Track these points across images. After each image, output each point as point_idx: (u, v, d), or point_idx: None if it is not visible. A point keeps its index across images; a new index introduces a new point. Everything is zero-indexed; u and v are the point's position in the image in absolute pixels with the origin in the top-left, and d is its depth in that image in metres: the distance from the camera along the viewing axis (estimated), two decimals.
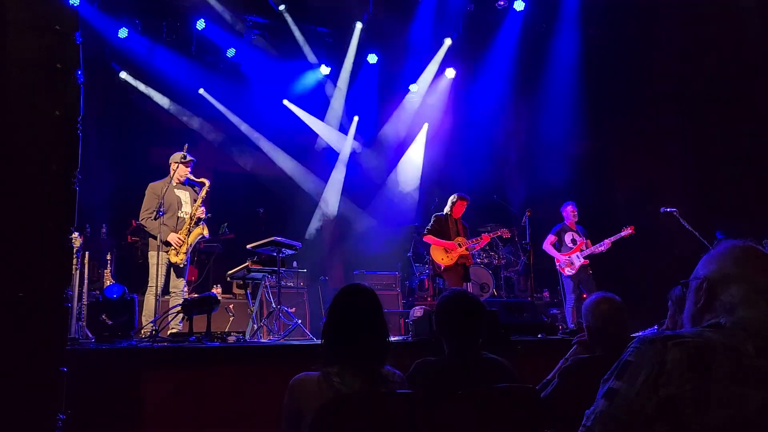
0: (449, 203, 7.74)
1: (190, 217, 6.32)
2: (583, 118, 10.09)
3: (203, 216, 6.40)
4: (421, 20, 10.05)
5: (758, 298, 1.57)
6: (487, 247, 9.35)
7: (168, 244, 6.15)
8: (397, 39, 10.29)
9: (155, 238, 6.14)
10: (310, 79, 10.73)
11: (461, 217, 7.80)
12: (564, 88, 10.19)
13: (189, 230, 6.27)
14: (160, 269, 6.09)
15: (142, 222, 6.25)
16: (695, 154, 8.95)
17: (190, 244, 6.29)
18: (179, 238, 6.17)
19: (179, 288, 6.28)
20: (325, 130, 11.16)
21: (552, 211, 8.60)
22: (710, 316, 1.62)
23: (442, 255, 7.60)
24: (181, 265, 6.25)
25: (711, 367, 1.47)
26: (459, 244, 7.52)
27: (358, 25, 10.20)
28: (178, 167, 6.36)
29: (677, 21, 8.81)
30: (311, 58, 10.42)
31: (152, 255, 6.18)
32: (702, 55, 8.58)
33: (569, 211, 8.21)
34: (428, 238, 7.69)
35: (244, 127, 10.63)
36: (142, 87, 9.75)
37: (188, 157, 6.40)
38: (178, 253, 6.18)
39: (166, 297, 6.32)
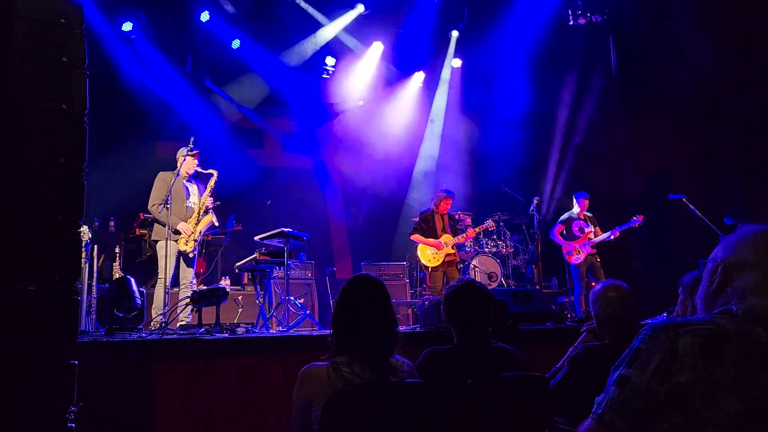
0: (435, 199, 7.69)
1: (199, 207, 6.36)
2: (591, 106, 10.04)
3: (211, 206, 6.44)
4: (424, 8, 9.98)
5: None
6: (495, 236, 9.35)
7: (178, 232, 6.18)
8: (402, 27, 10.23)
9: (164, 225, 6.17)
10: (315, 67, 10.70)
11: (450, 212, 7.76)
12: (573, 75, 10.14)
13: (198, 219, 6.31)
14: (169, 260, 6.12)
15: (151, 210, 6.29)
16: (704, 142, 8.89)
17: (200, 232, 6.33)
18: (189, 227, 6.21)
19: (188, 279, 6.32)
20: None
21: (562, 199, 8.59)
22: (723, 301, 1.61)
23: (428, 256, 7.55)
24: (191, 255, 6.28)
25: (723, 353, 1.46)
26: (445, 243, 7.48)
27: (360, 7, 10.12)
28: (185, 160, 6.39)
29: (689, 8, 8.72)
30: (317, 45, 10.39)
31: (161, 246, 6.21)
32: (715, 44, 8.49)
33: (580, 200, 8.18)
34: (415, 237, 7.65)
35: (250, 119, 10.64)
36: (145, 83, 9.74)
37: (195, 150, 6.43)
38: (187, 241, 6.21)
39: (175, 289, 6.36)
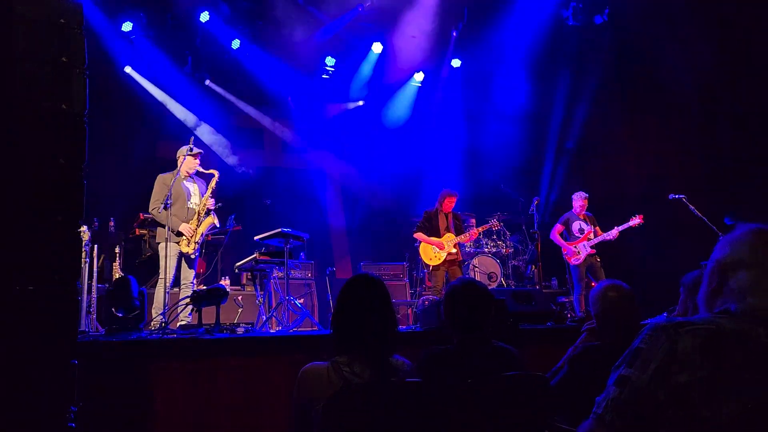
0: (439, 198, 7.71)
1: (200, 208, 6.35)
2: (591, 106, 10.04)
3: (212, 207, 6.43)
4: (424, 7, 9.97)
5: None
6: (495, 236, 9.34)
7: (180, 234, 6.17)
8: (402, 27, 10.22)
9: (164, 227, 6.16)
10: (313, 68, 10.70)
11: (453, 211, 7.76)
12: (573, 75, 10.13)
13: (199, 220, 6.30)
14: (170, 261, 6.11)
15: (152, 212, 6.27)
16: (704, 141, 8.89)
17: (202, 234, 6.32)
18: (191, 228, 6.20)
19: (189, 279, 6.31)
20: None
21: (561, 199, 8.58)
22: (722, 302, 1.62)
23: (430, 254, 7.57)
24: (192, 256, 6.28)
25: (723, 354, 1.46)
26: (447, 243, 7.49)
27: (359, 10, 10.08)
28: (185, 159, 6.37)
29: (689, 9, 8.72)
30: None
31: (162, 247, 6.20)
32: (715, 44, 8.49)
33: (579, 201, 8.18)
34: (418, 236, 7.66)
35: (250, 119, 10.65)
36: (145, 83, 9.75)
37: (195, 149, 6.41)
38: (189, 242, 6.20)
39: (175, 289, 6.35)
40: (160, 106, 9.91)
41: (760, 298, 1.55)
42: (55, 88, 2.71)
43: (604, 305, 2.94)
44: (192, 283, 6.34)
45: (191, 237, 6.20)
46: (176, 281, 6.27)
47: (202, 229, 6.31)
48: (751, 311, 1.54)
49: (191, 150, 6.38)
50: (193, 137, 6.43)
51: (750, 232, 1.64)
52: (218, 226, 6.53)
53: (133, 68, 9.63)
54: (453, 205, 7.69)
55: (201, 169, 6.50)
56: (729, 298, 1.60)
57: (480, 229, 8.04)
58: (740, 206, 7.59)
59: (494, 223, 8.18)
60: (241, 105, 10.61)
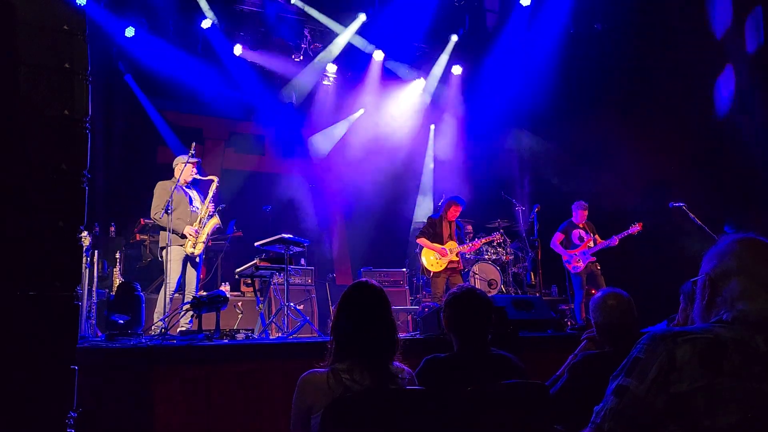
0: (444, 206, 7.72)
1: (202, 213, 6.35)
2: (591, 114, 10.04)
3: (213, 210, 6.44)
4: (425, 15, 10.00)
5: (758, 290, 1.58)
6: (495, 243, 9.34)
7: (184, 236, 6.17)
8: (403, 34, 10.24)
9: (167, 231, 6.16)
10: (315, 75, 10.73)
11: (457, 219, 7.77)
12: (574, 83, 10.14)
13: (202, 223, 6.31)
14: (174, 265, 6.09)
15: (154, 218, 6.27)
16: (704, 148, 8.89)
17: (207, 233, 6.32)
18: (195, 230, 6.21)
19: (193, 285, 6.31)
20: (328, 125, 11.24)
21: (561, 207, 8.58)
22: (715, 313, 1.63)
23: (431, 261, 7.58)
24: (197, 259, 6.28)
25: (722, 363, 1.47)
26: (449, 250, 7.50)
27: (362, 16, 10.12)
28: (184, 167, 6.37)
29: (688, 15, 8.75)
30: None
31: (165, 251, 6.19)
32: (713, 51, 8.52)
33: (579, 209, 8.19)
34: (421, 241, 7.69)
35: (251, 124, 10.67)
36: (145, 88, 9.76)
37: (192, 158, 6.40)
38: (195, 244, 6.20)
39: (177, 294, 6.35)
40: (161, 111, 9.92)
41: (749, 302, 1.57)
42: (58, 94, 2.73)
43: (604, 313, 2.94)
44: (196, 288, 6.34)
45: (196, 238, 6.20)
46: (180, 285, 6.27)
47: (208, 229, 6.31)
48: (743, 317, 1.55)
49: (192, 156, 6.38)
50: (194, 143, 6.43)
51: (735, 242, 1.66)
52: (222, 227, 6.54)
53: (134, 73, 9.64)
54: (458, 214, 7.71)
55: (199, 177, 6.51)
56: (722, 308, 1.61)
57: (483, 240, 8.05)
58: (740, 214, 7.58)
59: (497, 237, 8.19)
60: (243, 110, 10.62)
